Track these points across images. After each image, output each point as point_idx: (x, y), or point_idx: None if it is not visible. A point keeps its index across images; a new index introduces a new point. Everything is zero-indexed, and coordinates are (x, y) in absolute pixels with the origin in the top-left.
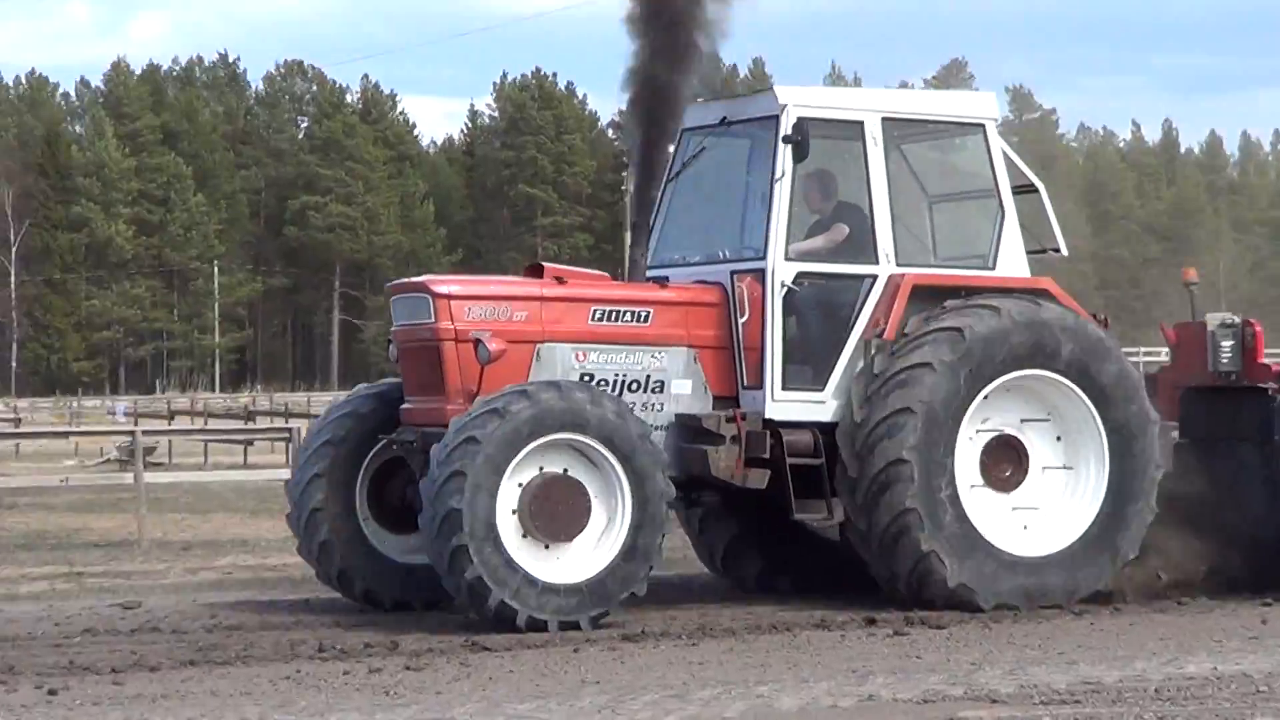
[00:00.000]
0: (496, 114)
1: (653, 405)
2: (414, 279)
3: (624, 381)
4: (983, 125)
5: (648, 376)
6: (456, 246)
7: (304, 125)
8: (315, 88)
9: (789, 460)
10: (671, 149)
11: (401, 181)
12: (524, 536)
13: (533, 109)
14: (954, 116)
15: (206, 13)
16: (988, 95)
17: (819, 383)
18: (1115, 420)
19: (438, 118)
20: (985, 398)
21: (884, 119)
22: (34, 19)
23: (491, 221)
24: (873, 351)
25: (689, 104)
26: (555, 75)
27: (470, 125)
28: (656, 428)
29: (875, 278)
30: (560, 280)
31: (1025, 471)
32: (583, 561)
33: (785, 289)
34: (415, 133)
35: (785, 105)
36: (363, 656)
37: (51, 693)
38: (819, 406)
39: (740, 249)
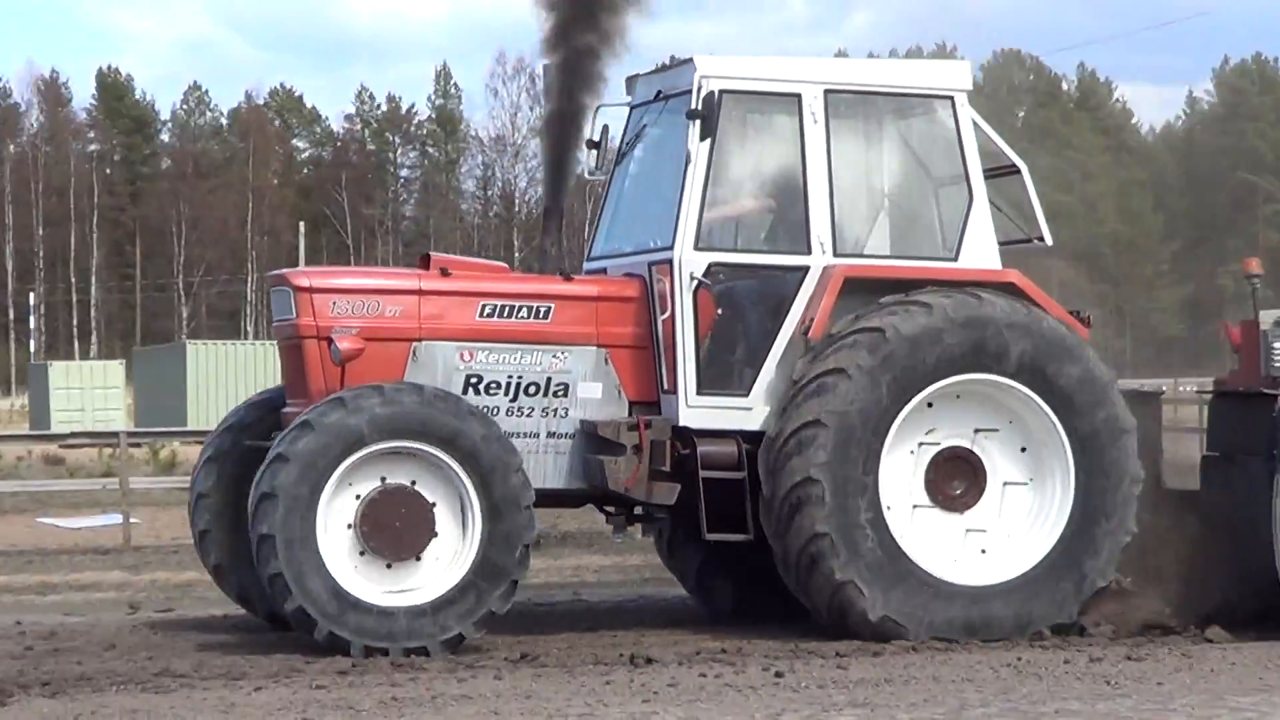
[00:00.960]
0: (1215, 100)
1: (555, 410)
2: (282, 270)
3: (519, 384)
4: (951, 98)
5: (548, 379)
6: (1174, 235)
7: (1020, 114)
8: (1032, 77)
9: (702, 474)
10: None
11: (1119, 170)
12: (362, 554)
13: (1253, 94)
14: (915, 88)
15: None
16: (959, 64)
17: (743, 388)
18: (1081, 429)
19: (1155, 104)
20: (930, 405)
21: (827, 91)
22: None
23: (1211, 209)
24: (797, 354)
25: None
26: (1277, 60)
27: (1188, 112)
28: (560, 435)
29: (808, 270)
30: (445, 272)
31: (981, 489)
32: (431, 580)
33: (695, 282)
34: (1134, 121)
35: (702, 77)
36: (1083, 646)
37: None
38: (744, 414)
39: (659, 238)
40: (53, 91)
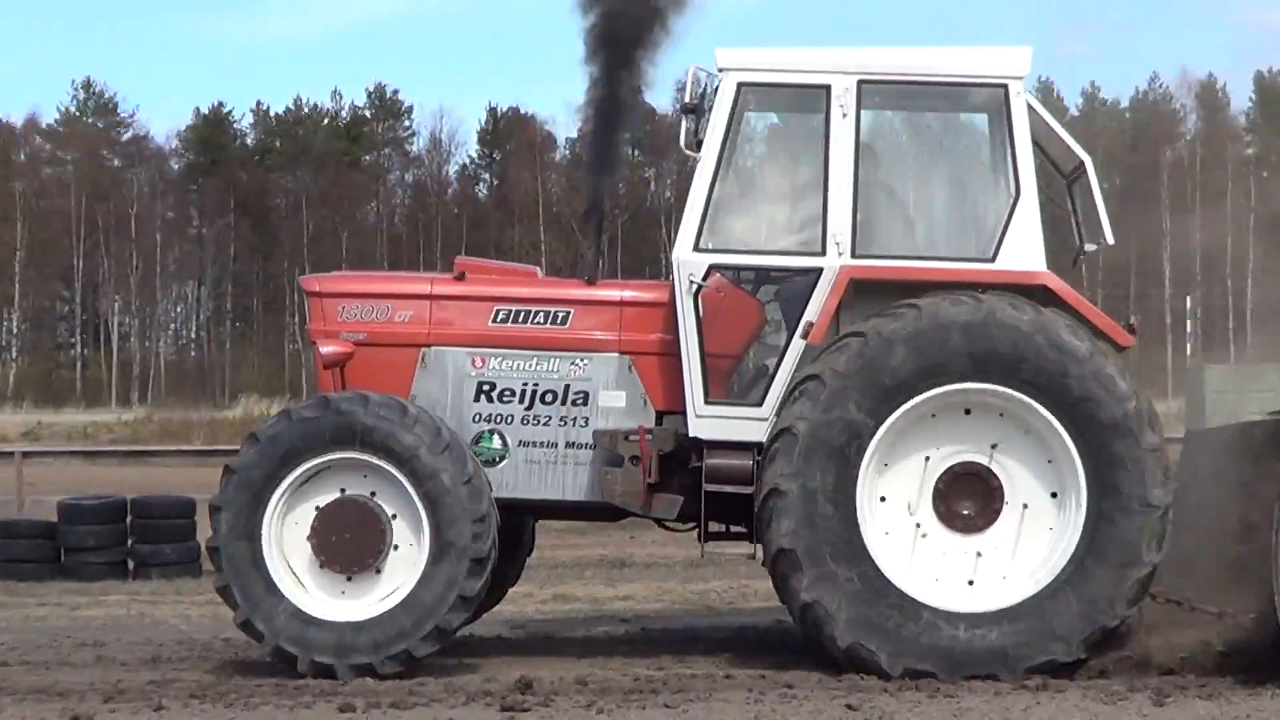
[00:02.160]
0: None
1: (574, 419)
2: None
3: (535, 391)
4: (1004, 86)
5: (566, 386)
6: None
7: None
8: None
9: (706, 487)
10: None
11: None
12: (321, 567)
13: None
14: (963, 76)
15: None
16: (1016, 50)
17: (755, 397)
18: (1092, 450)
19: None
20: (934, 416)
21: (860, 82)
22: None
23: None
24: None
25: None
26: None
27: None
28: (580, 445)
29: (821, 272)
30: (460, 276)
31: (997, 510)
32: (389, 594)
33: (695, 286)
34: None
35: (723, 70)
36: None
37: None
38: (757, 425)
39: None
40: (1209, 96)
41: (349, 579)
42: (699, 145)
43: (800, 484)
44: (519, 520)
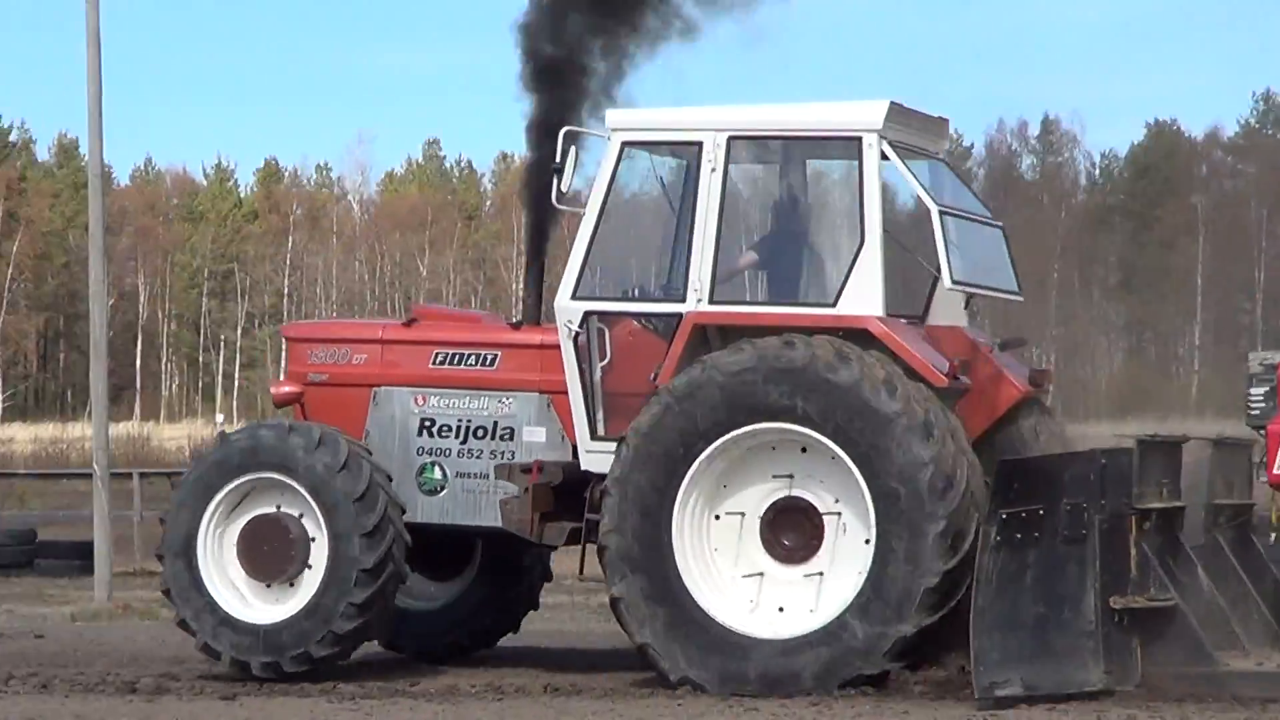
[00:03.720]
0: None
1: (502, 453)
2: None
3: (469, 427)
4: (859, 139)
5: (495, 423)
6: None
7: None
8: None
9: (587, 516)
10: None
11: None
12: (248, 575)
13: None
14: (821, 130)
15: None
16: (872, 104)
17: None
18: (874, 470)
19: None
20: (774, 449)
21: (730, 138)
22: None
23: None
24: None
25: None
26: None
27: None
28: None
29: (681, 318)
30: (409, 322)
31: (820, 540)
32: (294, 605)
33: (571, 331)
34: None
35: (611, 130)
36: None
37: None
38: None
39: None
40: None
41: (268, 586)
42: (560, 198)
43: (619, 541)
44: (517, 550)
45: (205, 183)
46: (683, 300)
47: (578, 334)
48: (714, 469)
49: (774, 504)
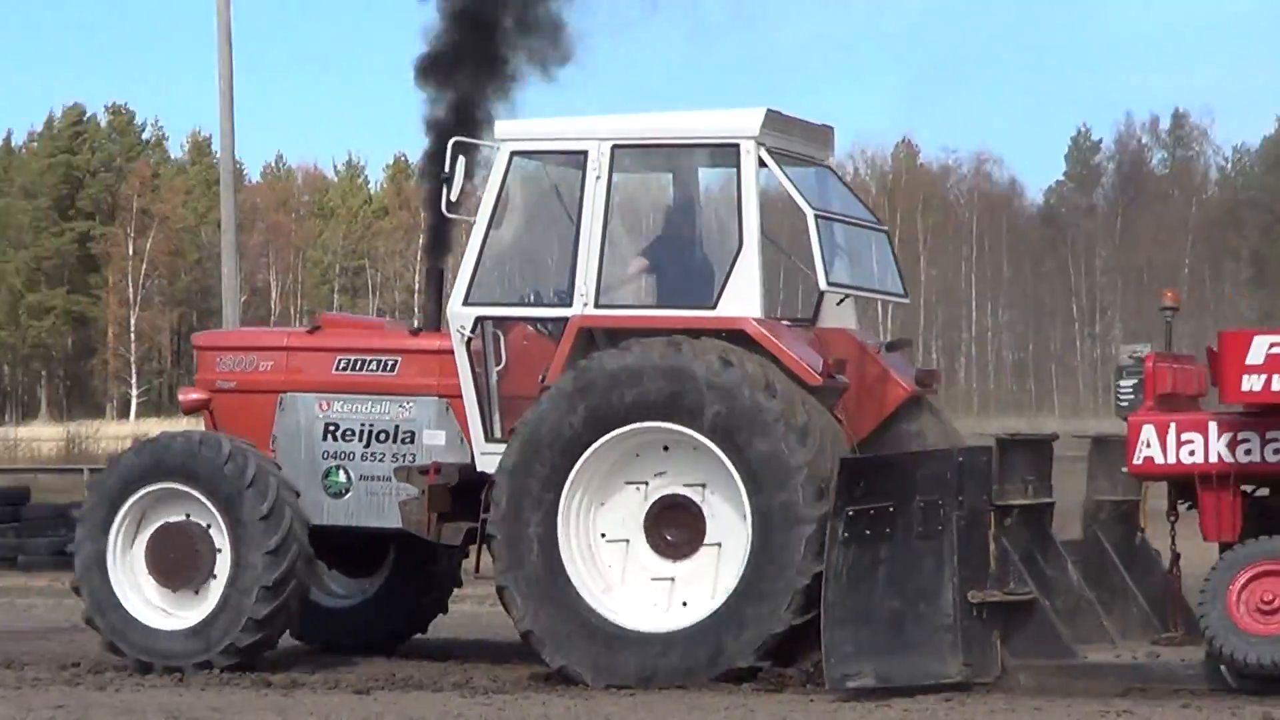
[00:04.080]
0: None
1: (404, 456)
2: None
3: (372, 431)
4: (736, 145)
5: (396, 427)
6: None
7: None
8: None
9: (482, 516)
10: None
11: None
12: (154, 580)
13: None
14: (699, 137)
15: None
16: (751, 112)
17: None
18: (752, 471)
19: None
20: (666, 449)
21: (615, 147)
22: None
23: None
24: None
25: None
26: None
27: None
28: None
29: (567, 321)
30: (313, 329)
31: (701, 539)
32: (198, 613)
33: (464, 336)
34: None
35: (500, 140)
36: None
37: None
38: None
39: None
40: None
41: (174, 591)
42: (450, 207)
43: (510, 478)
44: (427, 553)
45: (336, 179)
46: (570, 305)
47: (470, 339)
48: (600, 464)
49: (658, 500)
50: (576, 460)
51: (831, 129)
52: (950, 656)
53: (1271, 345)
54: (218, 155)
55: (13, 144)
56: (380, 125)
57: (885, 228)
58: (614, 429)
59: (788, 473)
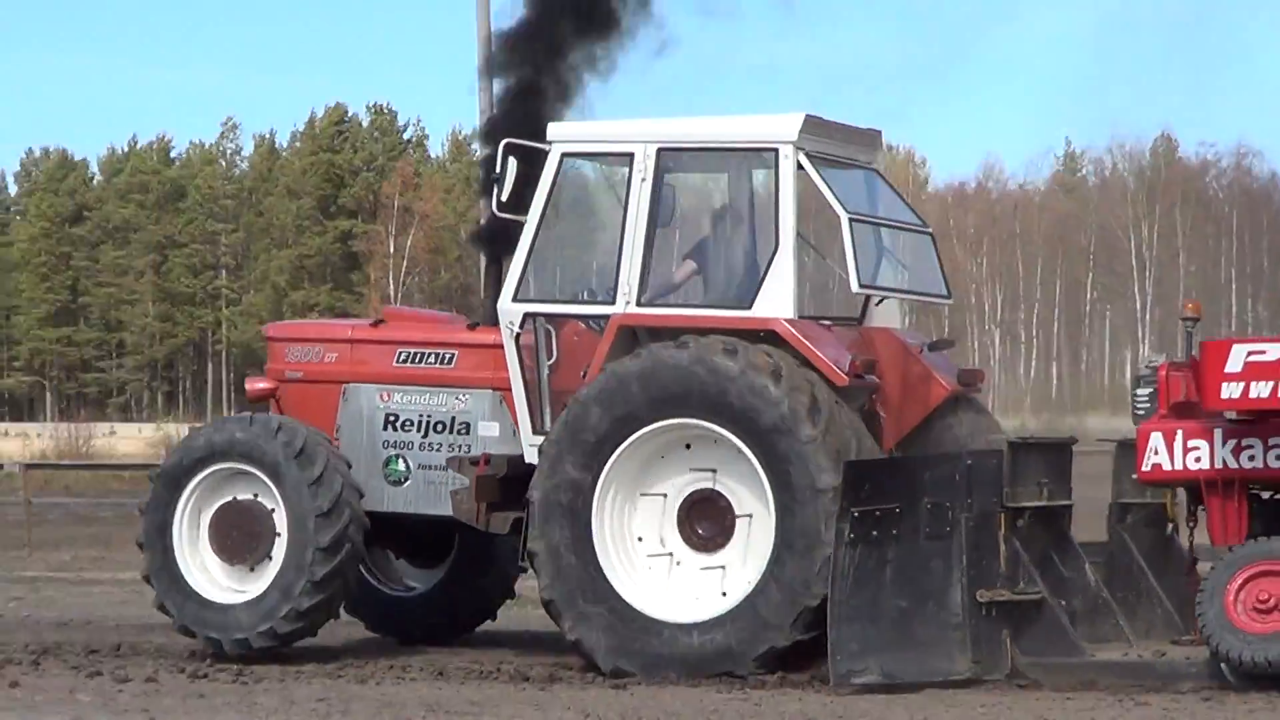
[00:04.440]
0: None
1: (460, 447)
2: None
3: (429, 422)
4: (775, 150)
5: (453, 418)
6: None
7: None
8: None
9: (527, 506)
10: None
11: None
12: (220, 558)
13: None
14: (741, 142)
15: None
16: (790, 118)
17: None
18: (767, 453)
19: None
20: (688, 447)
21: (660, 149)
22: None
23: None
24: None
25: None
26: None
27: None
28: None
29: (609, 319)
30: (377, 323)
31: (731, 525)
32: (262, 585)
33: (514, 332)
34: None
35: (551, 142)
36: None
37: None
38: None
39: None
40: None
41: (237, 566)
42: (501, 208)
43: (545, 544)
44: (490, 540)
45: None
46: (613, 303)
47: (519, 334)
48: (629, 466)
49: (690, 495)
50: (604, 467)
51: (878, 133)
52: (959, 654)
53: (1250, 354)
54: (476, 153)
55: (276, 144)
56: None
57: (929, 229)
58: (636, 431)
59: (773, 407)
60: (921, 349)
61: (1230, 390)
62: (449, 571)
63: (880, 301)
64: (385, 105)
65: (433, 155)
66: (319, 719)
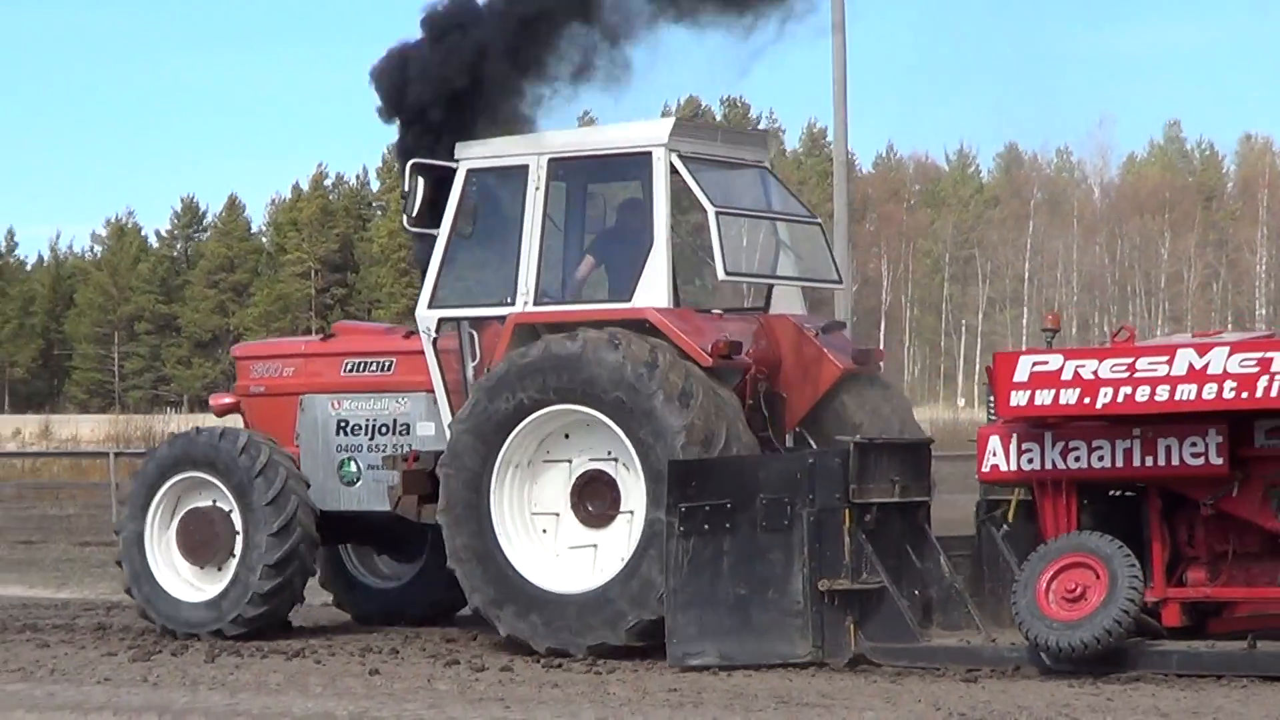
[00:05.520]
0: None
1: (402, 446)
2: None
3: (375, 425)
4: (649, 153)
5: (394, 420)
6: None
7: None
8: None
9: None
10: None
11: None
12: (184, 559)
13: None
14: (617, 148)
15: None
16: (660, 122)
17: None
18: (638, 436)
19: None
20: (567, 437)
21: (550, 160)
22: None
23: None
24: None
25: None
26: None
27: None
28: None
29: (506, 319)
30: (326, 337)
31: (618, 509)
32: (218, 587)
33: (432, 337)
34: None
35: (458, 160)
36: None
37: None
38: None
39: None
40: None
41: (201, 568)
42: (412, 223)
43: (448, 516)
44: None
45: (947, 168)
46: (512, 304)
47: (436, 338)
48: (525, 447)
49: (581, 475)
50: (501, 447)
51: (765, 133)
52: (799, 639)
53: (1035, 364)
54: (831, 146)
55: None
56: (991, 114)
57: (818, 220)
58: (527, 416)
59: (670, 435)
60: (816, 332)
61: (1018, 398)
62: (425, 562)
63: (770, 291)
64: (739, 99)
65: (788, 149)
66: (671, 709)
